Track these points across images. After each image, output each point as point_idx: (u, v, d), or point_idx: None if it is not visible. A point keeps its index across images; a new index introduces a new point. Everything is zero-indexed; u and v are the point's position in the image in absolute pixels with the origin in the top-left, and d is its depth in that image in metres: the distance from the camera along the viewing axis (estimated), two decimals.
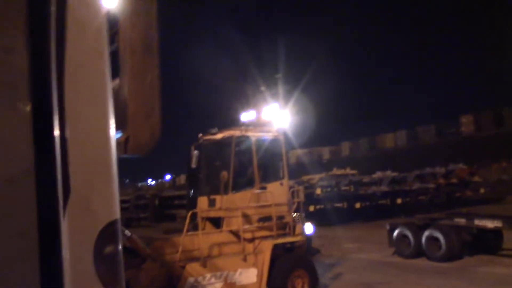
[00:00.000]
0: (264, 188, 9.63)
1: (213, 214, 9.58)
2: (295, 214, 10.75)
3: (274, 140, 10.15)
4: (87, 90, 1.71)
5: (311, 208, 25.66)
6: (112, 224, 1.68)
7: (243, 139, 9.71)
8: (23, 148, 1.52)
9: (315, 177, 28.73)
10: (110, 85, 1.75)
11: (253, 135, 9.79)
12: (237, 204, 9.18)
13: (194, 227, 9.49)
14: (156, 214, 36.25)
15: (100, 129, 1.71)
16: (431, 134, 41.33)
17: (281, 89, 23.70)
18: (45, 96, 1.57)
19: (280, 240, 9.26)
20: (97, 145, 1.70)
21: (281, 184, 9.92)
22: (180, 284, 8.06)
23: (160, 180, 64.68)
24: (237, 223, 9.06)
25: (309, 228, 12.70)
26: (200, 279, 8.26)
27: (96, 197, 1.67)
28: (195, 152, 10.22)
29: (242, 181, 9.64)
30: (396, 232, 13.91)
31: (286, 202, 9.80)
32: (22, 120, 1.53)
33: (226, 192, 9.25)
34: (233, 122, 11.49)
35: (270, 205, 9.40)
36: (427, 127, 42.08)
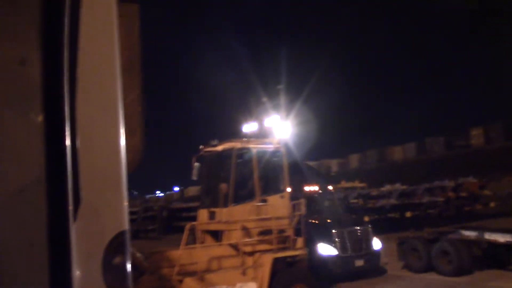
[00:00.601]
0: (264, 200, 9.51)
1: (213, 227, 9.48)
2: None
3: (275, 152, 10.05)
4: (98, 100, 1.73)
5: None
6: (121, 235, 1.68)
7: (244, 151, 9.63)
8: (34, 158, 1.55)
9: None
10: (121, 95, 1.76)
11: (254, 147, 9.71)
12: (237, 217, 9.08)
13: (195, 240, 9.42)
14: (164, 226, 36.12)
15: (110, 139, 1.72)
16: (440, 146, 40.92)
17: (283, 100, 23.58)
18: (57, 107, 1.60)
19: (281, 254, 9.12)
20: (107, 155, 1.71)
21: (282, 196, 9.80)
22: None
23: (168, 192, 64.68)
24: (236, 236, 8.94)
25: (377, 243, 12.92)
26: None
27: (106, 207, 1.68)
28: (196, 164, 10.15)
29: (242, 194, 9.53)
30: (405, 246, 13.76)
31: (287, 215, 9.66)
32: (34, 130, 1.56)
33: (226, 204, 9.16)
34: (235, 134, 11.45)
35: (270, 218, 9.28)
36: (436, 139, 41.68)
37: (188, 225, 8.87)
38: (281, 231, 9.51)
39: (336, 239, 12.45)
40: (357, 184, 31.05)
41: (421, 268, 13.13)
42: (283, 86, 24.95)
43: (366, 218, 26.12)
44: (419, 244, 13.37)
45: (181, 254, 8.55)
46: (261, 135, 10.22)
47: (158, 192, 71.69)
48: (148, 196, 64.13)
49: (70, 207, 1.56)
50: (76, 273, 1.55)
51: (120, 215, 1.69)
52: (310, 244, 11.53)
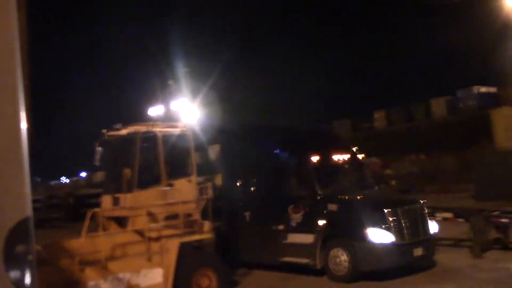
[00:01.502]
0: (171, 185, 9.34)
1: (117, 213, 9.17)
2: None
3: (182, 136, 9.87)
4: None
5: None
6: (23, 223, 1.60)
7: (149, 134, 9.36)
8: None
9: None
10: (21, 80, 1.66)
11: (160, 131, 9.47)
12: (142, 202, 8.85)
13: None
14: (70, 214, 34.71)
15: (10, 123, 1.62)
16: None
17: (189, 83, 23.27)
18: None
19: (187, 238, 9.01)
20: (6, 140, 1.61)
21: (189, 180, 9.67)
22: None
23: (74, 178, 62.04)
24: (141, 222, 8.72)
25: (433, 226, 10.67)
26: (101, 283, 7.86)
27: (6, 193, 1.58)
28: (99, 149, 9.73)
29: (147, 178, 9.30)
30: None
31: (194, 199, 9.57)
32: None
33: (130, 190, 8.89)
34: (141, 117, 11.11)
35: (177, 203, 9.13)
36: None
37: (89, 212, 8.50)
38: (188, 215, 9.40)
39: (391, 222, 9.66)
40: None
41: None
42: (190, 69, 24.58)
43: None
44: None
45: (82, 243, 8.20)
46: (167, 118, 9.94)
47: (63, 178, 68.61)
48: (52, 183, 61.32)
49: None
50: None
51: (22, 201, 1.61)
52: (356, 230, 9.72)
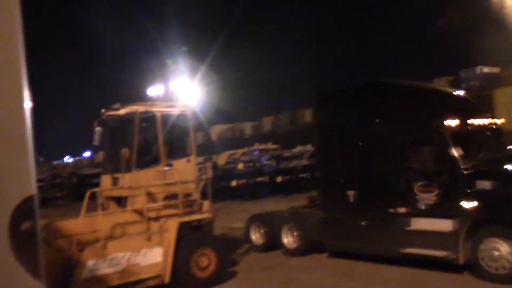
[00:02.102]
0: (170, 165, 9.34)
1: (116, 193, 9.19)
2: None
3: (181, 116, 9.84)
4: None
5: (234, 183, 25.81)
6: (28, 200, 1.63)
7: (147, 114, 9.33)
8: None
9: (238, 152, 28.82)
10: (23, 56, 1.68)
11: (158, 111, 9.43)
12: (141, 182, 8.85)
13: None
14: (73, 193, 34.98)
15: (13, 100, 1.64)
16: None
17: (188, 62, 23.10)
18: None
19: (186, 218, 9.04)
20: (11, 119, 1.63)
21: (188, 160, 9.67)
22: (78, 268, 7.68)
23: (78, 157, 62.14)
24: (141, 201, 8.74)
25: None
26: (100, 262, 7.91)
27: (11, 172, 1.61)
28: (98, 129, 9.71)
29: (146, 158, 9.29)
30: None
31: (193, 179, 9.57)
32: None
33: (128, 170, 8.88)
34: (141, 97, 11.05)
35: (176, 183, 9.14)
36: None
37: (88, 192, 8.52)
38: (188, 195, 9.42)
39: None
40: (270, 146, 31.53)
41: None
42: (189, 48, 24.36)
43: (279, 179, 26.85)
44: None
45: (81, 222, 8.23)
46: (167, 98, 9.86)
47: (67, 157, 68.77)
48: (55, 163, 61.49)
49: None
50: None
51: (27, 179, 1.64)
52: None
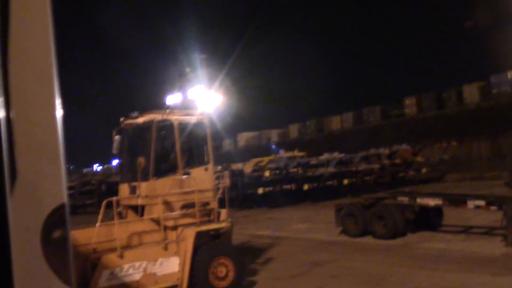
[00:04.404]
0: (188, 173, 9.28)
1: (133, 201, 9.17)
2: None
3: (199, 124, 9.77)
4: (32, 71, 1.67)
5: (260, 191, 25.72)
6: (59, 209, 1.66)
7: (165, 122, 9.29)
8: None
9: (264, 160, 28.76)
10: (55, 65, 1.71)
11: (176, 119, 9.39)
12: (158, 190, 8.81)
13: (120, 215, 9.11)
14: (102, 200, 35.40)
15: (46, 110, 1.68)
16: (376, 115, 41.90)
17: (206, 70, 22.96)
18: None
19: (204, 227, 8.95)
20: (43, 127, 1.66)
21: (206, 169, 9.58)
22: (95, 277, 7.66)
23: (106, 165, 62.99)
24: (158, 210, 8.69)
25: None
26: (117, 271, 7.88)
27: (43, 180, 1.64)
28: (117, 137, 9.74)
29: (164, 167, 9.24)
30: (342, 212, 14.19)
31: (211, 187, 9.48)
32: None
33: (145, 178, 8.85)
34: (161, 106, 11.06)
35: (193, 191, 9.07)
36: (373, 109, 42.60)
37: (105, 201, 8.53)
38: (205, 204, 9.33)
39: None
40: (296, 153, 31.39)
41: (358, 233, 13.66)
42: (207, 55, 24.21)
43: (306, 186, 26.65)
44: (355, 210, 13.81)
45: (98, 231, 8.23)
46: (185, 106, 9.83)
47: (96, 165, 69.81)
48: (85, 170, 62.48)
49: (6, 181, 1.54)
50: (15, 247, 1.54)
51: (59, 188, 1.67)
52: None
